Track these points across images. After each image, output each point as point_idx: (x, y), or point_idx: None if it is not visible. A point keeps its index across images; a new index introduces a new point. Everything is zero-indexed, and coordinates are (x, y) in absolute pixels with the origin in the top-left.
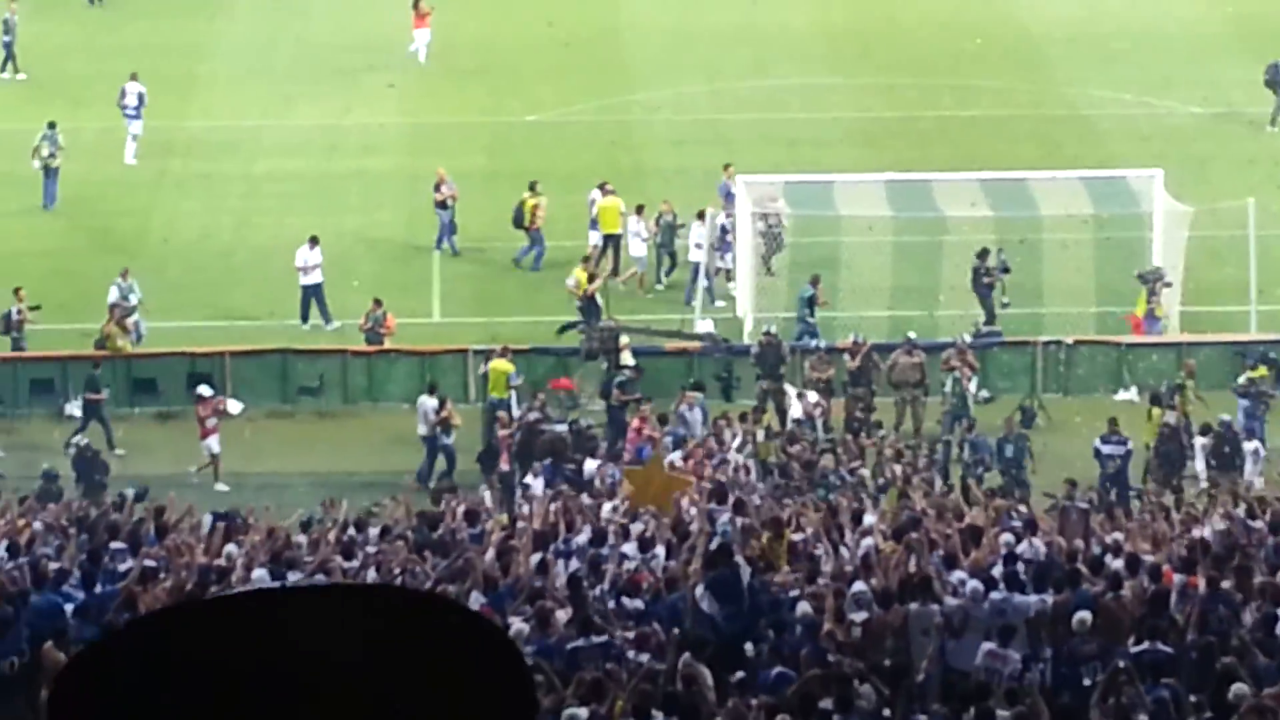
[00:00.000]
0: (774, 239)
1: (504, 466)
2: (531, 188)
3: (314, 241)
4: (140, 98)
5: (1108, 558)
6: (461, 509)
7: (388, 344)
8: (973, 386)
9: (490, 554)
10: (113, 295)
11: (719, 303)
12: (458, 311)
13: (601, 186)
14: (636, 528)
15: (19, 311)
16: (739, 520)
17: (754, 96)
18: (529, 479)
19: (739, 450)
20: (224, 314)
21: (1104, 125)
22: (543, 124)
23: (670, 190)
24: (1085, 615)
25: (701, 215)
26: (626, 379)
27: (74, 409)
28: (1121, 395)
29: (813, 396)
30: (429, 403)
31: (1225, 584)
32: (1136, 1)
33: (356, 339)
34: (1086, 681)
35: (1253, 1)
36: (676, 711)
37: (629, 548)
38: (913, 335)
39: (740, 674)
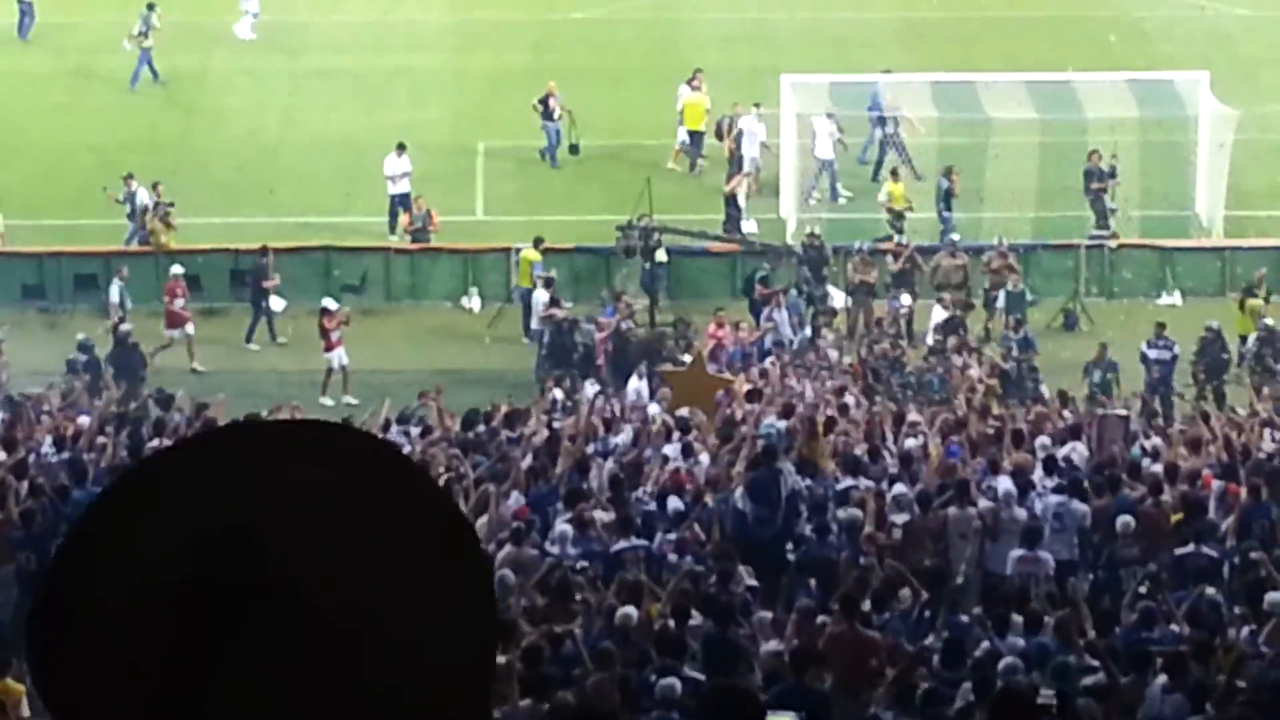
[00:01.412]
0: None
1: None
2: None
3: (401, 148)
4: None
5: (1147, 463)
6: (504, 410)
7: (433, 241)
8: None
9: (529, 456)
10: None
11: (842, 199)
12: (501, 210)
13: (690, 81)
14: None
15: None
16: (782, 423)
17: None
18: (633, 382)
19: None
20: (268, 210)
21: (1151, 27)
22: (590, 21)
23: (716, 88)
24: (1127, 519)
25: (832, 116)
26: (766, 273)
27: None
28: (1164, 300)
29: (905, 299)
30: (541, 296)
31: (1264, 491)
32: None
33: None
34: (1127, 587)
35: None
36: (713, 613)
37: (670, 449)
38: (955, 237)
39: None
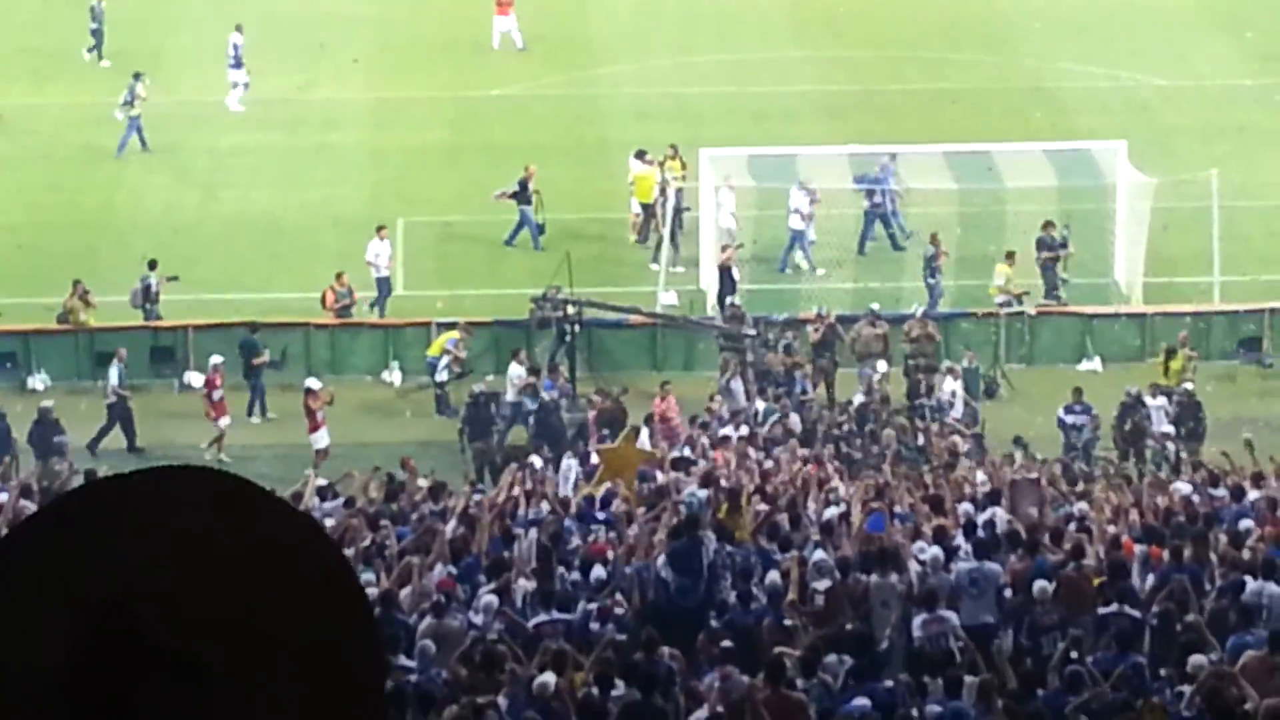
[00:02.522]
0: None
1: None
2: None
3: (380, 230)
4: (236, 48)
5: (1069, 527)
6: (426, 484)
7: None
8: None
9: (452, 525)
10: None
11: (820, 271)
12: (421, 285)
13: (640, 155)
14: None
15: (156, 283)
16: (703, 492)
17: (719, 70)
18: (566, 459)
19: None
20: (189, 288)
21: (1069, 98)
22: (507, 98)
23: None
24: (1044, 584)
25: (812, 189)
26: (790, 341)
27: (36, 382)
28: (1084, 365)
29: (881, 365)
30: (517, 370)
31: (1187, 553)
32: None
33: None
34: (1048, 651)
35: None
36: (637, 681)
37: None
38: (875, 306)
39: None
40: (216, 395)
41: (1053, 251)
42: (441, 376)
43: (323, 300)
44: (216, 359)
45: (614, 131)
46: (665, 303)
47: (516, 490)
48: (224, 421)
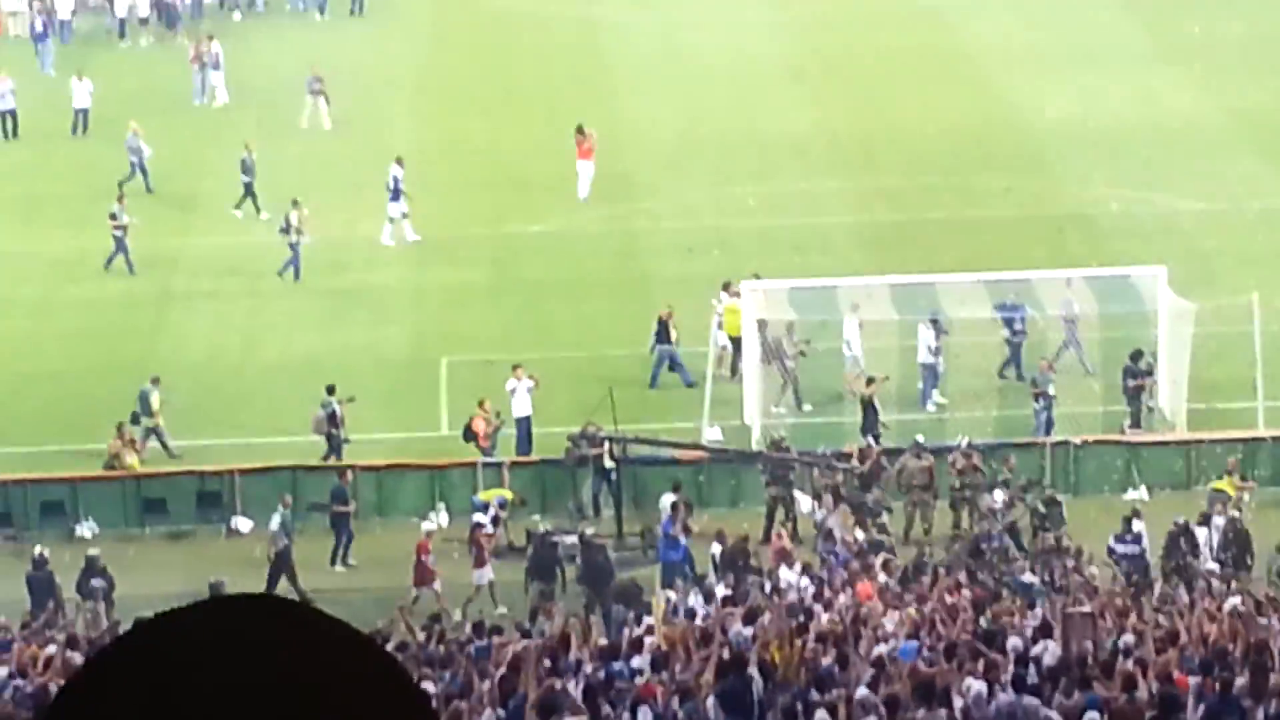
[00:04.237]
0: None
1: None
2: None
3: (516, 370)
4: (396, 180)
5: (1121, 659)
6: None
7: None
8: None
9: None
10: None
11: (931, 406)
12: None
13: (726, 287)
14: (650, 640)
15: (340, 406)
16: (749, 630)
17: (758, 202)
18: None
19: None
20: (233, 432)
21: (1107, 223)
22: (547, 234)
23: (675, 297)
24: (1095, 716)
25: (936, 322)
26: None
27: (84, 530)
28: (1130, 494)
29: (999, 495)
30: (669, 499)
31: (1239, 684)
32: (1137, 98)
33: (375, 454)
34: None
35: (1253, 95)
36: None
37: (640, 660)
38: (920, 438)
39: None
40: (428, 559)
41: (1139, 380)
42: (484, 521)
43: (467, 431)
44: (429, 525)
45: (654, 266)
46: (710, 438)
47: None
48: (423, 590)
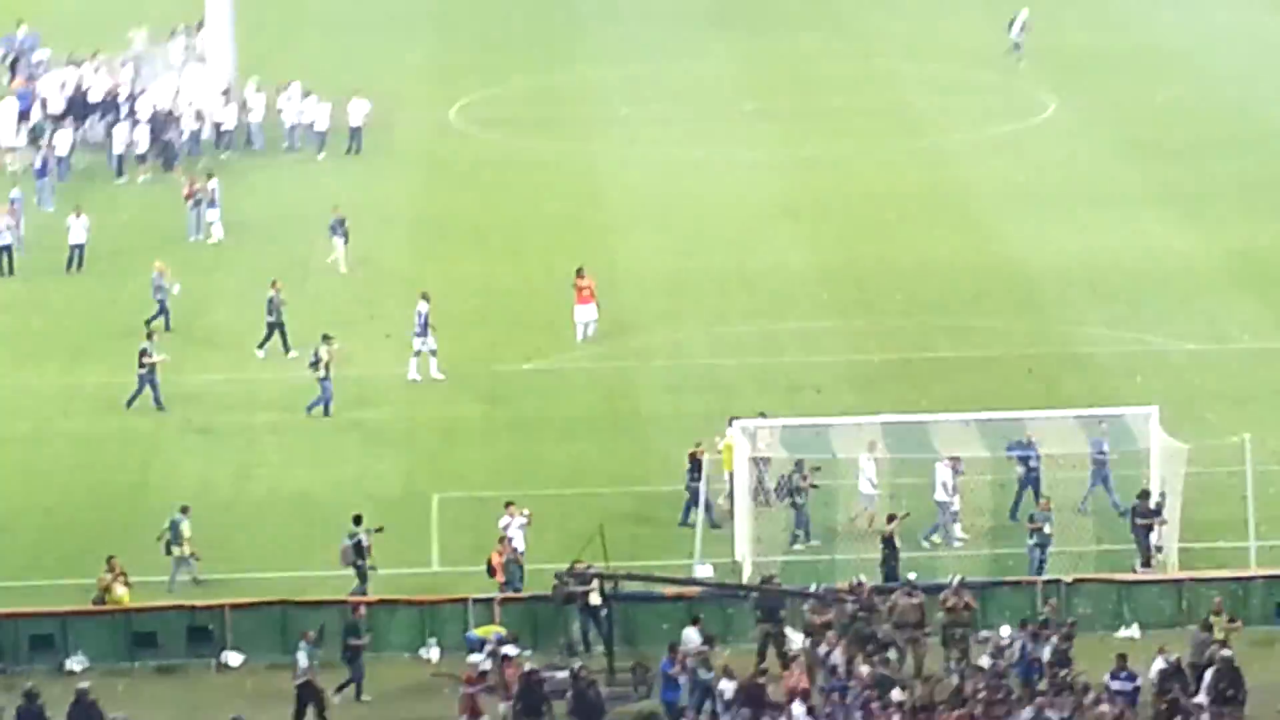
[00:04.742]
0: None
1: None
2: None
3: (509, 508)
4: (423, 315)
5: None
6: None
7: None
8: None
9: None
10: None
11: (957, 543)
12: (456, 560)
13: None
14: None
15: (367, 537)
16: None
17: (750, 341)
18: None
19: None
20: (224, 567)
21: (1100, 363)
22: (539, 371)
23: (665, 434)
24: None
25: (956, 460)
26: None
27: (74, 664)
28: (1123, 633)
29: (1005, 630)
30: (693, 635)
31: None
32: (1131, 238)
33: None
34: None
35: (1247, 236)
36: None
37: None
38: (912, 576)
39: None
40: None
41: (1147, 519)
42: (478, 659)
43: (491, 568)
44: (476, 658)
45: (646, 404)
46: (701, 575)
47: None
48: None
